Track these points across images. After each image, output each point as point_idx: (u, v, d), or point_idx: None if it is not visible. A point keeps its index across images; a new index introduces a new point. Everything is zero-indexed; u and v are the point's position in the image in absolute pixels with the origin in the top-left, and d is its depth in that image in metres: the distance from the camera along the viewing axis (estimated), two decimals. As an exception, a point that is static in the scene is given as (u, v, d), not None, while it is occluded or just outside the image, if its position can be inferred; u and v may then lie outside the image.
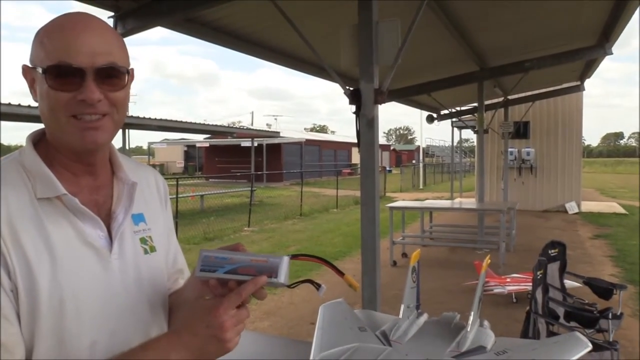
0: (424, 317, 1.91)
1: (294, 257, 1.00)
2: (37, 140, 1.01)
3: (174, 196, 11.49)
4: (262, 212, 14.98)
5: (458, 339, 1.70)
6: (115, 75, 0.97)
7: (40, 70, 0.92)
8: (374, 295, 3.18)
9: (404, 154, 62.85)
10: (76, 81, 0.92)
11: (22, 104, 9.96)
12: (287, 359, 1.94)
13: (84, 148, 0.98)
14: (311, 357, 1.58)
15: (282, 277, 0.95)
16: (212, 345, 0.91)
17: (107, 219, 1.03)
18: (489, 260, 1.99)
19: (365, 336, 1.71)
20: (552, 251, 4.28)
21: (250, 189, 15.28)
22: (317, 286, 1.03)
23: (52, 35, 0.93)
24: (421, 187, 27.31)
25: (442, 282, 6.75)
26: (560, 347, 1.66)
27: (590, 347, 1.61)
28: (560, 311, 3.98)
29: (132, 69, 1.01)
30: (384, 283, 3.73)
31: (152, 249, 1.10)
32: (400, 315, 1.83)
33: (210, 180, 29.90)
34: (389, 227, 8.15)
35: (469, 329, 1.73)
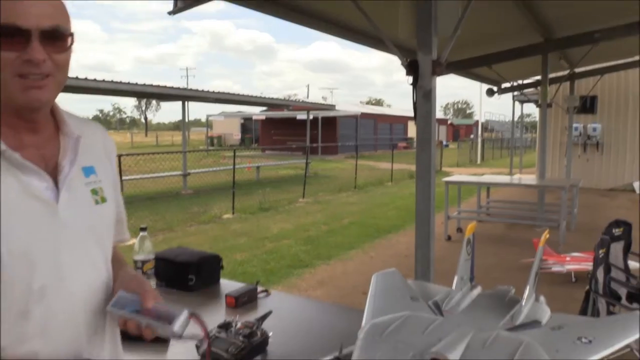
0: (478, 290, 1.90)
1: (192, 315, 1.08)
2: None
3: (231, 167, 11.72)
4: (316, 184, 15.10)
5: (512, 313, 1.68)
6: (59, 38, 1.02)
7: None
8: (427, 268, 3.18)
9: (462, 128, 61.37)
10: (22, 41, 0.97)
11: (88, 77, 10.51)
12: (339, 325, 1.97)
13: (28, 106, 1.02)
14: (363, 324, 1.61)
15: (177, 326, 1.04)
16: None
17: (54, 172, 1.07)
18: (547, 235, 1.94)
19: (417, 305, 1.72)
20: (617, 230, 4.11)
21: (305, 161, 15.38)
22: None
23: None
24: (478, 162, 26.67)
25: (497, 258, 6.63)
26: (621, 325, 1.61)
27: (652, 327, 1.56)
28: (623, 292, 3.85)
29: (73, 34, 1.05)
30: (438, 257, 3.70)
31: (103, 200, 1.15)
32: (454, 287, 1.83)
33: (266, 152, 30.30)
34: (444, 201, 8.04)
35: (523, 303, 1.71)
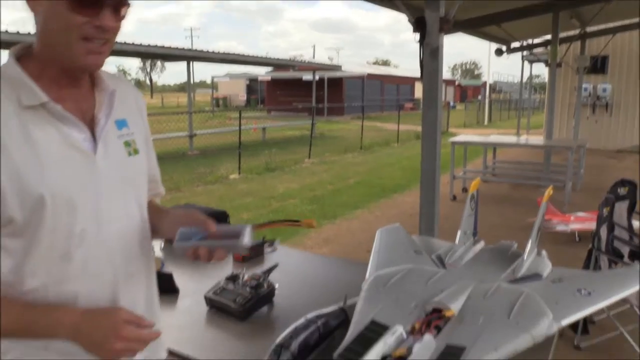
0: (481, 244, 1.93)
1: (257, 226, 1.15)
2: (20, 54, 1.08)
3: (237, 128, 11.71)
4: (322, 144, 15.09)
5: (514, 266, 1.72)
6: (124, 6, 1.06)
7: None
8: (432, 225, 3.21)
9: (469, 89, 60.57)
10: (96, 8, 1.01)
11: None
12: (344, 278, 2.02)
13: (87, 69, 1.08)
14: (367, 276, 1.65)
15: (246, 238, 1.09)
16: (95, 349, 1.02)
17: (91, 124, 1.12)
18: (551, 192, 1.96)
19: (421, 259, 1.75)
20: (622, 190, 4.11)
21: (311, 122, 15.33)
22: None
23: None
24: (486, 123, 26.48)
25: (502, 218, 6.67)
26: (621, 279, 1.65)
27: (652, 280, 1.59)
28: (625, 250, 3.88)
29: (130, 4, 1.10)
30: (442, 216, 3.74)
31: (136, 152, 1.20)
32: (457, 241, 1.86)
33: (271, 113, 30.17)
34: (450, 162, 8.04)
35: (525, 257, 1.74)
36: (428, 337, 1.22)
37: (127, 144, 1.18)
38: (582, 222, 5.73)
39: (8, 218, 0.99)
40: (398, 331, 1.26)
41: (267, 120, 23.78)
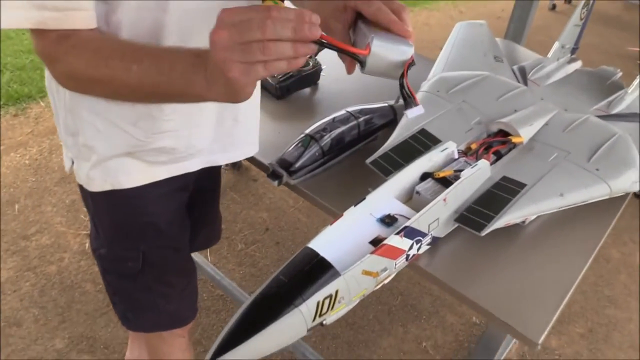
0: (577, 64, 1.58)
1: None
2: None
3: None
4: None
5: (611, 98, 1.40)
6: None
7: None
8: (521, 31, 2.76)
9: None
10: None
11: None
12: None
13: None
14: (430, 74, 1.38)
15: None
16: (221, 86, 0.66)
17: None
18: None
19: (500, 67, 1.44)
20: None
21: None
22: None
23: None
24: None
25: (600, 39, 5.91)
26: None
27: None
28: None
29: None
30: (535, 26, 3.20)
31: None
32: (550, 55, 1.52)
33: None
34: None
35: (629, 91, 1.42)
36: (483, 163, 1.00)
37: None
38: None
39: None
40: (450, 148, 1.04)
41: None
